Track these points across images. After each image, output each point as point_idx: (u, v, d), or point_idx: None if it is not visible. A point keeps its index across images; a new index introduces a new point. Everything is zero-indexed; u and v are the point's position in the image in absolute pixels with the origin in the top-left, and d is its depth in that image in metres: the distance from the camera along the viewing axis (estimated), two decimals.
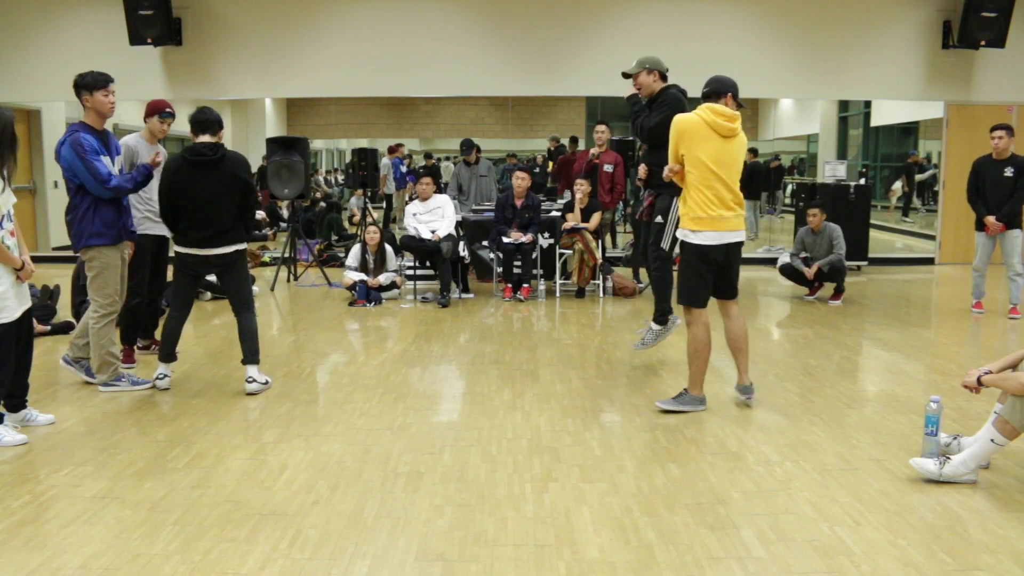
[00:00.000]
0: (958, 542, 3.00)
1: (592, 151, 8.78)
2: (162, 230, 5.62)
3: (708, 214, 4.37)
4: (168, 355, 5.06)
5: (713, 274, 4.51)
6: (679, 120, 4.45)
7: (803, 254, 8.25)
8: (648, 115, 5.29)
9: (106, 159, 4.82)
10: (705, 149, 4.35)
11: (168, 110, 5.55)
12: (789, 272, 8.31)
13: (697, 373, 4.55)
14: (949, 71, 10.45)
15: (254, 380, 4.94)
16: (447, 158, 16.59)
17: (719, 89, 4.44)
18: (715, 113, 4.37)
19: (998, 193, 7.15)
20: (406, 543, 2.99)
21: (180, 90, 10.53)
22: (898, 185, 16.14)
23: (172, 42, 10.00)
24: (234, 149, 4.98)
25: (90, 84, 4.78)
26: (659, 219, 5.17)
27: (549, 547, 2.96)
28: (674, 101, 5.13)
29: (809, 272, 8.03)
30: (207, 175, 4.77)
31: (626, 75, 5.35)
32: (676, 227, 4.83)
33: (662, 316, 5.43)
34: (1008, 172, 7.10)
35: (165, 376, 5.03)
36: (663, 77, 5.28)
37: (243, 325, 4.96)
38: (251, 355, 4.94)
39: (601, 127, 8.80)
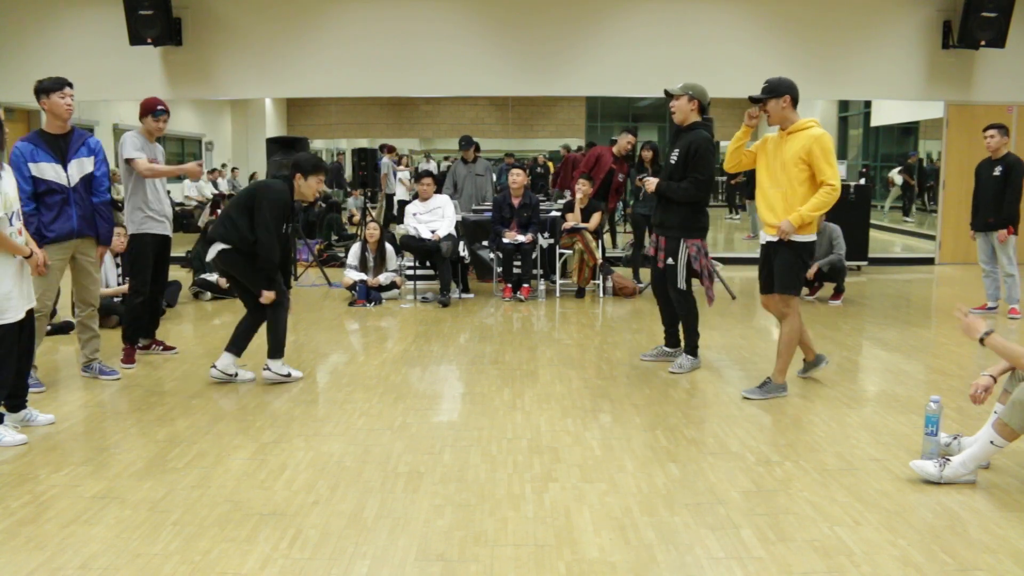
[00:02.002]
0: (958, 542, 3.00)
1: (614, 150, 8.85)
2: (164, 230, 5.60)
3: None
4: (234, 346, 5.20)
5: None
6: (830, 139, 4.62)
7: None
8: (673, 148, 5.36)
9: (47, 165, 4.77)
10: None
11: (160, 107, 5.54)
12: None
13: (787, 363, 4.81)
14: (949, 71, 10.45)
15: (268, 368, 5.13)
16: (445, 158, 16.58)
17: (796, 94, 4.74)
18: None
19: (986, 192, 7.16)
20: (406, 543, 2.99)
21: (180, 90, 10.53)
22: (894, 174, 16.11)
23: (172, 42, 10.00)
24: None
25: (47, 87, 4.80)
26: (670, 261, 5.28)
27: (549, 547, 2.96)
28: (704, 148, 5.17)
29: (809, 272, 8.02)
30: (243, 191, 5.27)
31: (668, 93, 5.33)
32: (687, 267, 5.24)
33: (694, 349, 5.47)
34: (997, 172, 7.09)
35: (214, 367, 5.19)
36: (701, 109, 5.27)
37: (268, 319, 5.18)
38: (271, 349, 5.17)
39: (632, 138, 8.84)
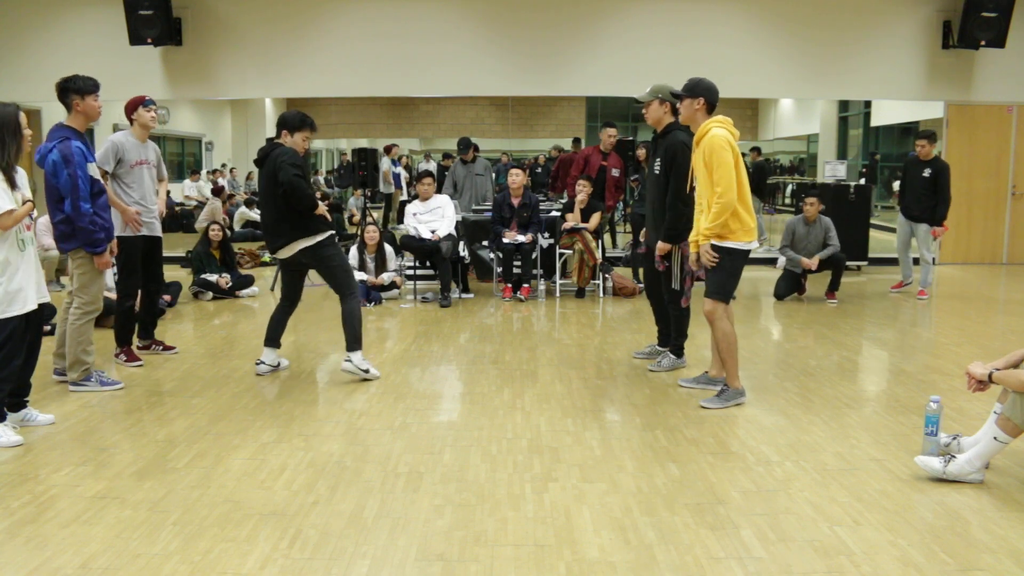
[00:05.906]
0: (958, 542, 3.00)
1: (600, 148, 8.83)
2: (150, 230, 5.56)
3: (753, 224, 4.58)
4: (271, 340, 5.35)
5: None
6: (731, 143, 4.47)
7: (789, 252, 8.08)
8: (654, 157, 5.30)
9: (92, 166, 4.80)
10: (740, 163, 4.52)
11: (148, 98, 5.55)
12: (782, 293, 8.12)
13: (735, 365, 4.69)
14: (949, 71, 10.45)
15: (350, 360, 5.13)
16: (446, 156, 16.60)
17: (712, 98, 4.61)
18: (731, 127, 4.53)
19: (916, 191, 8.23)
20: (406, 543, 2.99)
21: (180, 90, 10.53)
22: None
23: (172, 42, 9.99)
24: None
25: (83, 88, 4.77)
26: (667, 263, 5.29)
27: (549, 547, 2.96)
28: (681, 154, 5.05)
29: (810, 263, 7.89)
30: (262, 174, 5.07)
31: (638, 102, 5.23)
32: (681, 267, 5.16)
33: (680, 349, 5.52)
34: (926, 173, 8.14)
35: (262, 363, 5.37)
36: (674, 111, 5.11)
37: (342, 311, 5.13)
38: (349, 342, 5.11)
39: (612, 130, 8.84)
